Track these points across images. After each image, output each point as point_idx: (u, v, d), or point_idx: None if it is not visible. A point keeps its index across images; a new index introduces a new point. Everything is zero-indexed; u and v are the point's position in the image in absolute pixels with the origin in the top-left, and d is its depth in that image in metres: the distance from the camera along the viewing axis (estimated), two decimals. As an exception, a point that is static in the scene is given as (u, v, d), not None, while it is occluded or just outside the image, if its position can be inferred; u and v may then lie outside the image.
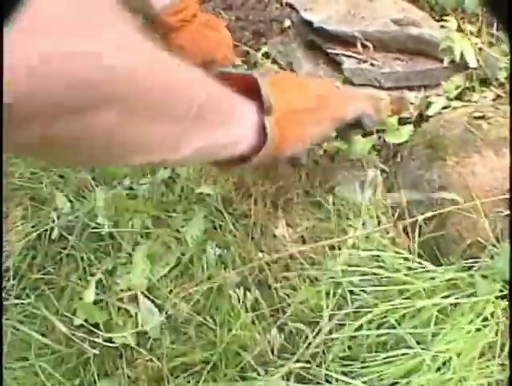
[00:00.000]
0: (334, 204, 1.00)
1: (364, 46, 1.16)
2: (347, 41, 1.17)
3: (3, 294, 1.05)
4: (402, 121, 1.11)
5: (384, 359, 0.78)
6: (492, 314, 0.80)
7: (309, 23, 1.21)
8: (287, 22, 1.46)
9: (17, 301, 1.04)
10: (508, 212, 0.86)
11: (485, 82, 1.16)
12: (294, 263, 0.94)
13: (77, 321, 0.97)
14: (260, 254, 0.96)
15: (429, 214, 0.90)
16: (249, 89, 0.67)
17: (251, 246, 0.95)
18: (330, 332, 0.83)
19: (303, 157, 0.81)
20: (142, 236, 1.01)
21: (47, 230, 1.06)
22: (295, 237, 0.97)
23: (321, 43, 1.21)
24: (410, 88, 1.15)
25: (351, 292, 0.85)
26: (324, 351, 0.83)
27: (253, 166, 0.71)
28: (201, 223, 0.99)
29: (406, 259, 0.86)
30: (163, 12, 1.02)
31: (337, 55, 1.17)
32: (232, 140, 0.64)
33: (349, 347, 0.83)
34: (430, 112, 1.10)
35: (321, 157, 1.08)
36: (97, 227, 1.03)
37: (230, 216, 0.99)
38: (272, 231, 0.97)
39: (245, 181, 1.01)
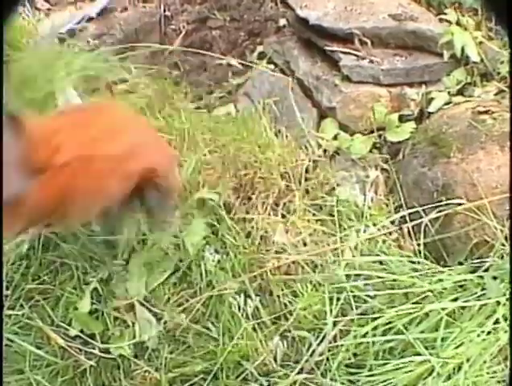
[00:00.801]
0: (335, 206, 0.97)
1: (362, 42, 1.14)
2: (344, 38, 1.15)
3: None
4: (403, 119, 1.09)
5: (392, 366, 0.75)
6: (503, 316, 0.76)
7: (305, 21, 1.18)
8: (283, 21, 1.43)
9: (11, 311, 1.01)
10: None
11: (485, 76, 1.13)
12: (295, 268, 0.90)
13: (73, 331, 0.93)
14: (260, 260, 0.93)
15: (434, 214, 0.87)
16: None
17: (251, 251, 0.92)
18: (334, 339, 0.80)
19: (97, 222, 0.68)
20: (138, 243, 0.98)
21: (40, 238, 1.03)
22: (295, 241, 0.94)
23: (318, 41, 1.18)
24: (411, 85, 1.12)
25: (355, 297, 0.81)
26: (328, 359, 0.80)
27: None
28: (201, 229, 0.96)
29: (411, 261, 0.83)
30: None
31: (334, 52, 1.14)
32: None
33: (355, 355, 0.80)
34: (431, 108, 1.07)
35: (321, 156, 1.06)
36: (91, 235, 1.00)
37: (230, 221, 0.95)
38: (272, 235, 0.94)
39: (245, 185, 0.98)
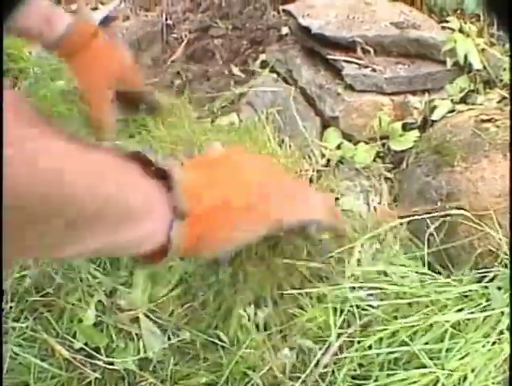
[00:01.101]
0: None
1: (364, 50, 1.14)
2: (347, 46, 1.15)
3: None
4: (407, 127, 1.08)
5: (397, 377, 0.74)
6: (507, 327, 0.76)
7: (307, 29, 1.18)
8: (285, 30, 1.43)
9: (15, 324, 1.01)
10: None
11: (488, 83, 1.13)
12: (300, 279, 0.90)
13: (77, 344, 0.93)
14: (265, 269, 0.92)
15: (438, 223, 0.87)
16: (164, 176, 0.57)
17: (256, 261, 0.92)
18: (340, 351, 0.80)
19: (223, 259, 0.71)
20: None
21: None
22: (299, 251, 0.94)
23: (320, 50, 1.18)
24: (414, 93, 1.12)
25: (359, 307, 0.81)
26: (333, 371, 0.80)
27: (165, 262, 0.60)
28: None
29: (416, 272, 0.83)
30: (64, 38, 0.97)
31: (337, 61, 1.14)
32: (134, 239, 0.54)
33: (360, 365, 0.80)
34: (435, 116, 1.07)
35: (324, 166, 1.06)
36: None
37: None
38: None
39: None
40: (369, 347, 0.76)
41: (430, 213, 0.84)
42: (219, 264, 0.73)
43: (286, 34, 1.39)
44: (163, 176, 0.56)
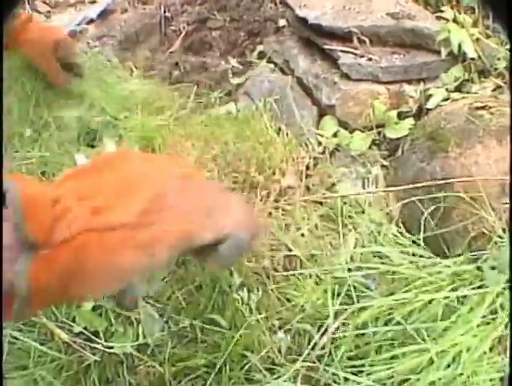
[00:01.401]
0: (335, 202, 0.99)
1: (360, 40, 1.15)
2: (343, 36, 1.16)
3: None
4: (402, 115, 1.10)
5: (392, 356, 0.76)
6: (501, 306, 0.77)
7: (304, 20, 1.20)
8: (282, 22, 1.45)
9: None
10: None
11: (483, 73, 1.14)
12: (296, 263, 0.91)
13: (77, 328, 0.94)
14: (261, 254, 0.94)
15: (433, 207, 0.88)
16: None
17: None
18: (337, 331, 0.81)
19: (129, 304, 0.52)
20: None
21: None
22: (297, 236, 0.95)
23: (317, 40, 1.19)
24: (409, 82, 1.13)
25: (355, 289, 0.82)
26: (330, 352, 0.81)
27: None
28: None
29: (412, 254, 0.84)
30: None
31: (334, 50, 1.16)
32: None
33: (357, 346, 0.81)
34: (429, 104, 1.09)
35: (321, 154, 1.07)
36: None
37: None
38: (273, 230, 0.95)
39: (245, 181, 0.99)
40: (365, 325, 0.78)
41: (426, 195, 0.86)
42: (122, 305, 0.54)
43: (284, 26, 1.40)
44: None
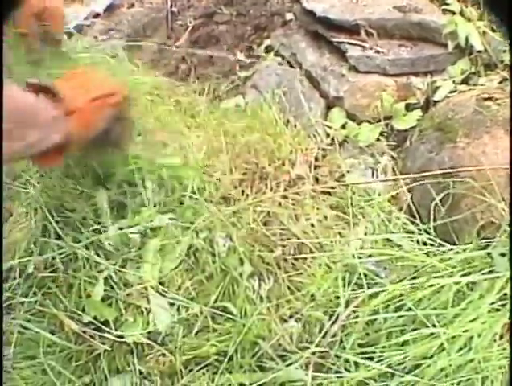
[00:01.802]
0: (344, 191, 0.99)
1: (368, 33, 1.16)
2: (351, 29, 1.17)
3: (9, 293, 1.02)
4: (410, 107, 1.11)
5: (403, 342, 0.76)
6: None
7: (312, 13, 1.20)
8: (289, 16, 1.45)
9: (24, 299, 1.02)
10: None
11: (489, 66, 1.15)
12: (307, 252, 0.92)
13: (86, 318, 0.94)
14: (270, 243, 0.94)
15: (442, 195, 0.89)
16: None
17: (260, 235, 0.93)
18: (347, 319, 0.81)
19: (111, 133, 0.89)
20: (151, 229, 0.99)
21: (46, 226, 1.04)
22: (306, 225, 0.96)
23: (325, 33, 1.20)
24: (416, 74, 1.14)
25: (366, 276, 0.83)
26: (341, 339, 0.81)
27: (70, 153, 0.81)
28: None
29: (423, 243, 0.85)
30: None
31: (341, 43, 1.16)
32: (35, 140, 0.73)
33: (368, 333, 0.81)
34: (437, 96, 1.09)
35: (329, 145, 1.08)
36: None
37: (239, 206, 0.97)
38: (281, 220, 0.95)
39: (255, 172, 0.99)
40: (376, 312, 0.78)
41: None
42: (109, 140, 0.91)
43: (291, 20, 1.41)
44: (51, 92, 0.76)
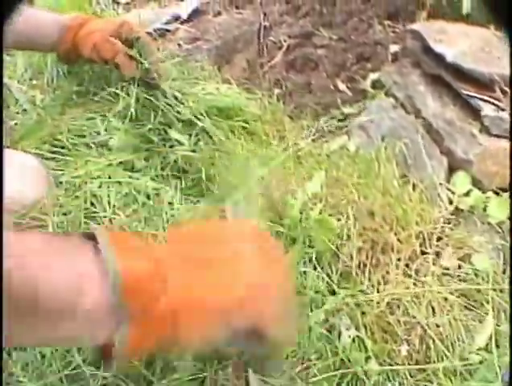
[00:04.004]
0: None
1: (503, 91, 1.03)
2: (484, 84, 1.04)
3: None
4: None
5: None
6: None
7: (439, 57, 1.07)
8: (393, 48, 1.32)
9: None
10: None
11: None
12: (431, 347, 0.80)
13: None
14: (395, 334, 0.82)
15: None
16: None
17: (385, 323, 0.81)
18: None
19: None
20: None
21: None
22: (427, 314, 0.83)
23: (452, 81, 1.07)
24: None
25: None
26: None
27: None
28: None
29: None
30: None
31: (472, 97, 1.03)
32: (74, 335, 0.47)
33: None
34: None
35: (451, 214, 0.95)
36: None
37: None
38: (405, 303, 0.83)
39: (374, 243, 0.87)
40: None
41: None
42: None
43: (396, 53, 1.28)
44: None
